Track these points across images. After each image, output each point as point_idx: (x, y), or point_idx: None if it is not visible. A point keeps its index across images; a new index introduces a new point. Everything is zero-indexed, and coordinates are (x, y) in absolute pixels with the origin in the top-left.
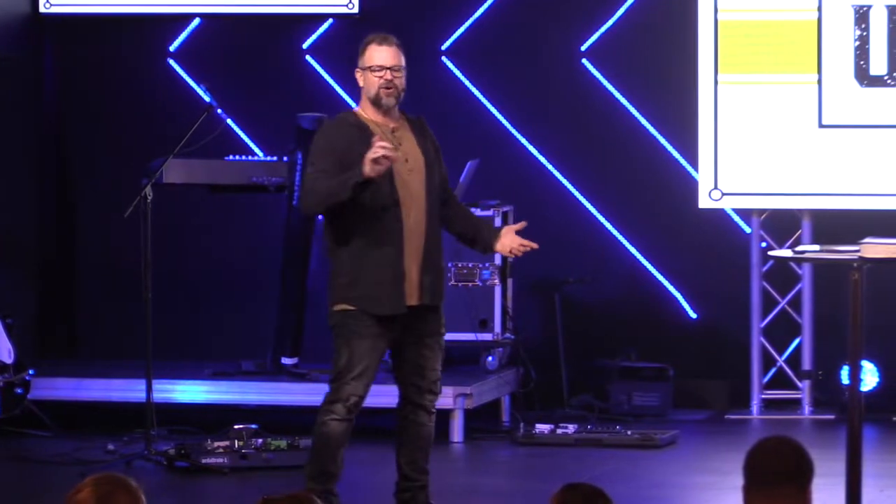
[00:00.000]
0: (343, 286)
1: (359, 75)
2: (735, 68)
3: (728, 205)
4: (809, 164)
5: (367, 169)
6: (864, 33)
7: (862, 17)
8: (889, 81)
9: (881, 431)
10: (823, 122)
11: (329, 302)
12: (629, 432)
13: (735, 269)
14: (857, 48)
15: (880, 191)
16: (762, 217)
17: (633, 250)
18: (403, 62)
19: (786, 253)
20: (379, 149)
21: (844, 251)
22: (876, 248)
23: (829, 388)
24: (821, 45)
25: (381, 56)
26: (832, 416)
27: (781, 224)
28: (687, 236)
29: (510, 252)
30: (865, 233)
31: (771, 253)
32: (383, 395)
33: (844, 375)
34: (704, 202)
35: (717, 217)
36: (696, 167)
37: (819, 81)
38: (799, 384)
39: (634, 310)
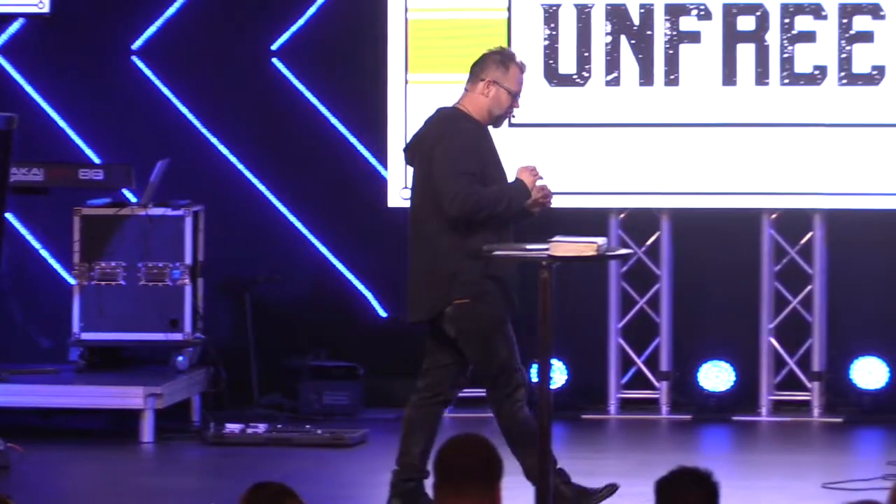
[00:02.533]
0: (485, 286)
1: (490, 86)
2: (425, 68)
3: None
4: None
5: (530, 184)
6: (554, 32)
7: (551, 16)
8: (578, 80)
9: (569, 429)
10: (513, 122)
11: (454, 294)
12: (319, 431)
13: None
14: (546, 47)
15: (571, 189)
16: None
17: (323, 249)
18: None
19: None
20: (536, 176)
21: (533, 249)
22: (564, 246)
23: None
24: (510, 44)
25: (521, 83)
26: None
27: None
28: (377, 235)
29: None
30: (555, 231)
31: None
32: None
33: (534, 373)
34: (394, 201)
35: (407, 216)
36: (386, 166)
37: None
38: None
39: (325, 309)
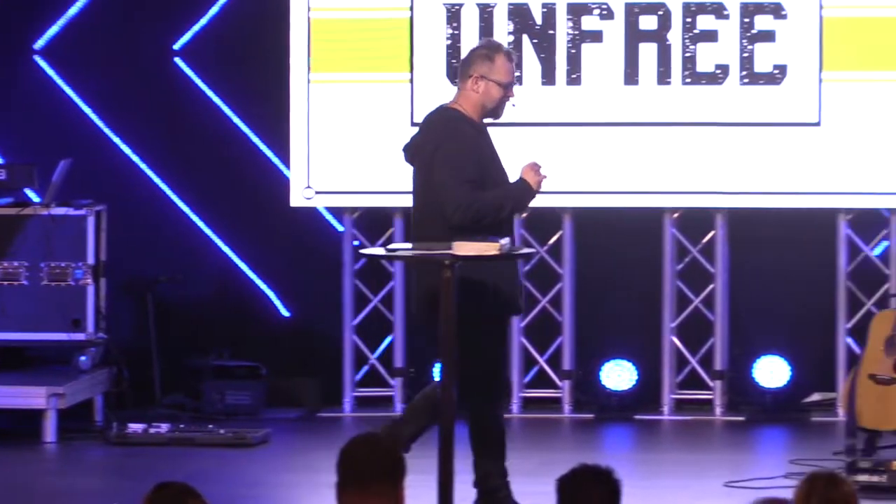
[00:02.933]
0: (483, 287)
1: (478, 81)
2: (328, 67)
3: (321, 203)
4: (402, 163)
5: (535, 184)
6: (456, 32)
7: (454, 15)
8: None
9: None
10: (415, 121)
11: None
12: (222, 431)
13: (328, 268)
14: (448, 47)
15: None
16: (355, 215)
17: (225, 249)
18: None
19: (378, 251)
20: (540, 175)
21: (436, 249)
22: (467, 245)
23: (421, 385)
24: (413, 43)
25: (512, 73)
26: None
27: (374, 222)
28: (279, 235)
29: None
30: None
31: (363, 251)
32: None
33: (436, 373)
34: (297, 200)
35: (310, 215)
36: (288, 165)
37: (411, 80)
38: (391, 381)
39: (227, 308)
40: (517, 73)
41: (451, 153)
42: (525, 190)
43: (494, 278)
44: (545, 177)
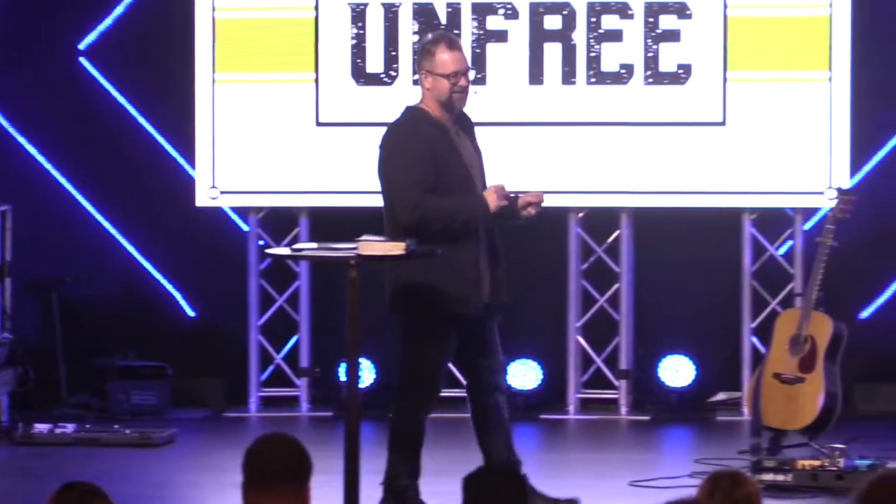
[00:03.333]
0: (425, 284)
1: (425, 77)
2: (233, 67)
3: (226, 203)
4: (307, 163)
5: (493, 208)
6: (361, 31)
7: (359, 15)
8: (385, 79)
9: (377, 428)
10: (321, 121)
11: (403, 301)
12: (128, 431)
13: (233, 267)
14: (353, 46)
15: (377, 188)
16: (260, 215)
17: (131, 249)
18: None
19: (283, 251)
20: (503, 199)
21: (341, 249)
22: (372, 245)
23: (327, 385)
24: (318, 43)
25: (454, 62)
26: (330, 413)
27: (279, 222)
28: (185, 235)
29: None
30: (362, 230)
31: (268, 251)
32: None
33: (342, 372)
34: (202, 200)
35: (215, 215)
36: (194, 165)
37: (316, 80)
38: (297, 381)
39: (133, 308)
40: (462, 60)
41: (401, 152)
42: (481, 208)
43: (439, 278)
44: (505, 203)
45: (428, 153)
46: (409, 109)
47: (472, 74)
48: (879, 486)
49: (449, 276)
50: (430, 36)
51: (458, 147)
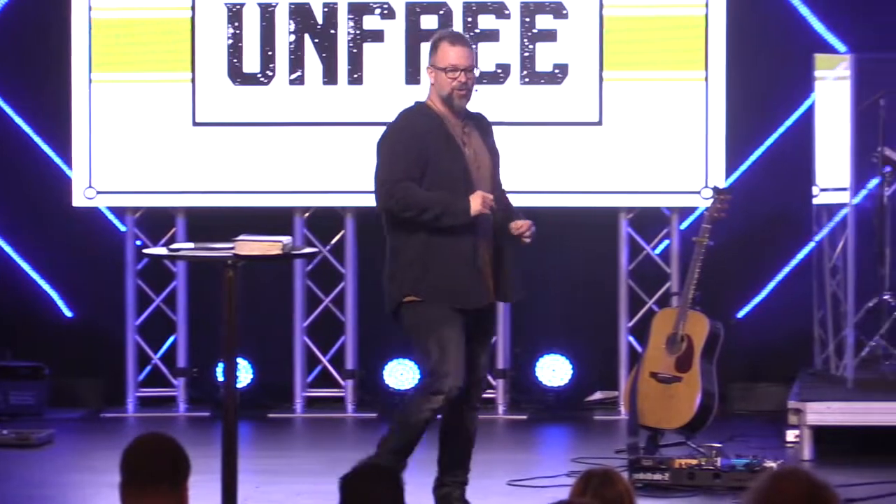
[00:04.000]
0: (418, 275)
1: (430, 72)
2: (109, 66)
3: (103, 203)
4: (184, 163)
5: (474, 213)
6: (238, 31)
7: (235, 15)
8: (262, 79)
9: (255, 428)
10: (197, 120)
11: (394, 293)
12: (5, 431)
13: (110, 267)
14: (230, 46)
15: (256, 188)
16: (137, 215)
17: (7, 249)
18: (475, 60)
19: (160, 251)
20: (486, 207)
21: (218, 249)
22: (249, 245)
23: (204, 385)
24: (194, 43)
25: (456, 56)
26: (208, 413)
27: (156, 222)
28: (62, 235)
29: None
30: (240, 230)
31: (145, 251)
32: None
33: (219, 373)
34: (79, 200)
35: (92, 215)
36: (70, 165)
37: (193, 80)
38: (174, 382)
39: (9, 308)
40: (463, 57)
41: (388, 147)
42: (459, 208)
43: (434, 272)
44: (486, 213)
45: (414, 147)
46: (414, 104)
47: (477, 72)
48: (774, 486)
49: (439, 265)
50: (438, 31)
51: (460, 143)
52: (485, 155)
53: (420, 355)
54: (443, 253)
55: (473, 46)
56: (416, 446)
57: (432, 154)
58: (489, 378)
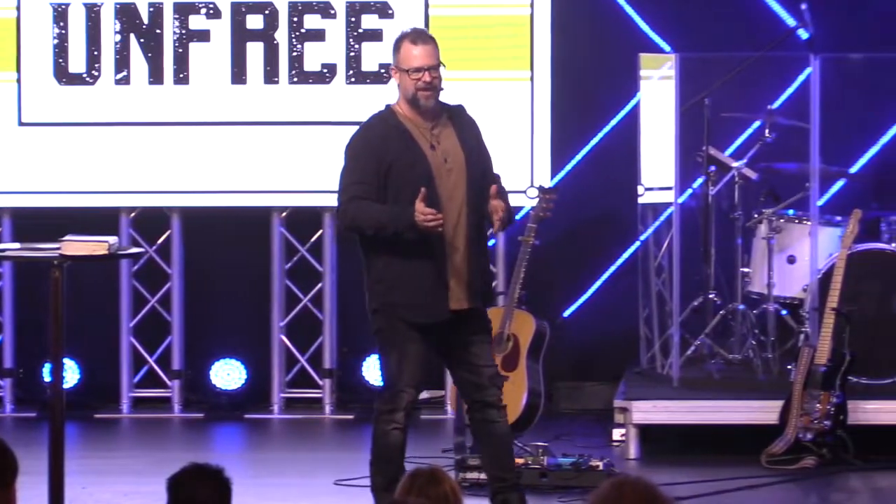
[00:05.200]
0: (382, 291)
1: (394, 74)
2: None
3: None
4: (10, 163)
5: (419, 226)
6: (63, 31)
7: (60, 14)
8: (88, 79)
9: (82, 428)
10: (23, 121)
11: (368, 307)
12: None
13: None
14: (56, 46)
15: (83, 188)
16: None
17: None
18: (439, 55)
19: None
20: (429, 223)
21: (44, 249)
22: (75, 245)
23: (30, 386)
24: (20, 42)
25: (419, 56)
26: (34, 414)
27: None
28: None
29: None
30: (67, 230)
31: None
32: None
33: (46, 373)
34: None
35: None
36: None
37: (18, 80)
38: (0, 383)
39: None
40: (427, 56)
41: (347, 156)
42: (402, 220)
43: (394, 284)
44: (430, 228)
45: (372, 157)
46: (384, 108)
47: (443, 70)
48: (615, 493)
49: (404, 282)
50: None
51: (426, 146)
52: (459, 154)
53: (380, 366)
54: (404, 267)
55: (434, 42)
56: (400, 466)
57: (393, 161)
58: (315, 377)
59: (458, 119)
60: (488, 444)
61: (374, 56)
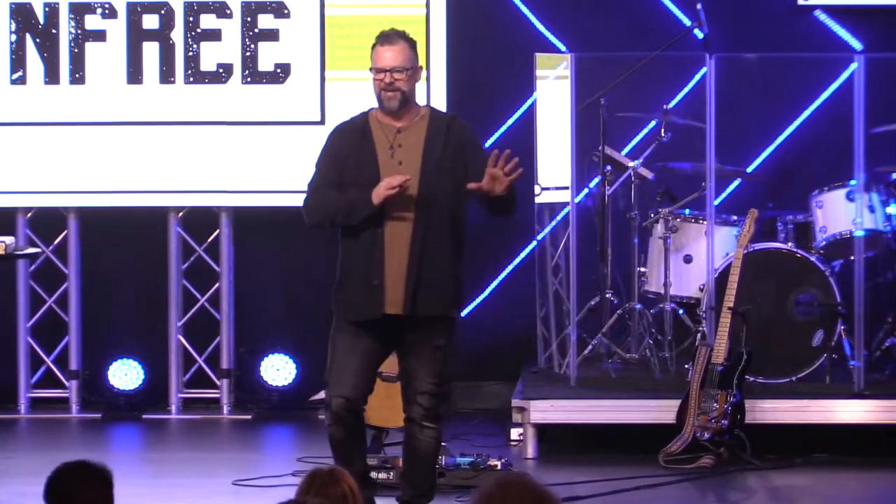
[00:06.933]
0: (333, 290)
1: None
2: None
3: None
4: None
5: (377, 201)
6: None
7: None
8: None
9: None
10: None
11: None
12: None
13: None
14: None
15: None
16: None
17: None
18: (410, 58)
19: None
20: (394, 184)
21: None
22: None
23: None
24: None
25: (382, 58)
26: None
27: None
28: None
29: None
30: None
31: None
32: None
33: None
34: None
35: None
36: None
37: None
38: None
39: None
40: (389, 57)
41: (321, 151)
42: (362, 201)
43: (341, 281)
44: (393, 192)
45: (332, 156)
46: (368, 108)
47: (406, 73)
48: (500, 492)
49: (346, 280)
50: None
51: (383, 150)
52: (416, 158)
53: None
54: (346, 266)
55: (405, 44)
56: (354, 456)
57: (346, 159)
58: (213, 378)
59: (440, 128)
60: (407, 456)
61: (270, 56)
